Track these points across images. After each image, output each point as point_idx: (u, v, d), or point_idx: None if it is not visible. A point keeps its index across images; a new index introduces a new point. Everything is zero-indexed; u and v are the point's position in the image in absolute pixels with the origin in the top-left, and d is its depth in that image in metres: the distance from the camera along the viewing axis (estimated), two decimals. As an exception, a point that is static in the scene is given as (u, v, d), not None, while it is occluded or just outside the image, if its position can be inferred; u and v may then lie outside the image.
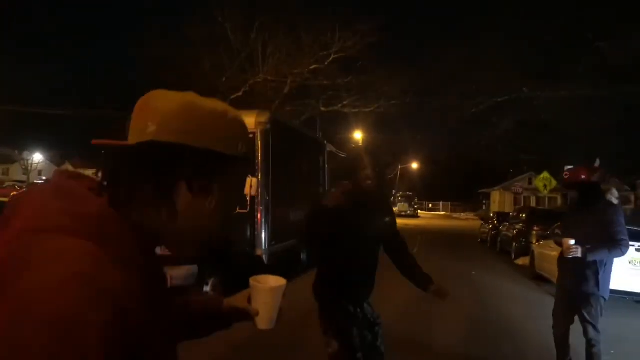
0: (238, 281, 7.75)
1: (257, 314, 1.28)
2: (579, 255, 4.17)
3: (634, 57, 17.44)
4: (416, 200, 55.71)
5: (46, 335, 0.62)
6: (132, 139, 0.90)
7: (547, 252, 10.34)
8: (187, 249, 0.99)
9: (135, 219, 0.86)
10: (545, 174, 22.27)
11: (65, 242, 0.73)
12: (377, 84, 22.19)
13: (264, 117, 9.31)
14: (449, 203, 67.75)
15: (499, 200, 49.75)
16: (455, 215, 59.29)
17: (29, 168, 58.00)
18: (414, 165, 62.12)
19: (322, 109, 23.40)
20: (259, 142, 9.10)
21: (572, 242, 4.20)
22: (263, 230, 9.00)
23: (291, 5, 20.00)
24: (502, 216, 22.30)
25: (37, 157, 59.26)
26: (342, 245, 3.01)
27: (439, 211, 66.44)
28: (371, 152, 3.71)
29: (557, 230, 7.96)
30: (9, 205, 0.83)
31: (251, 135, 9.05)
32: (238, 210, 8.43)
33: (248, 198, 8.70)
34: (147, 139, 0.87)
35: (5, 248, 0.73)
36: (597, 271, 4.34)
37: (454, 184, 64.95)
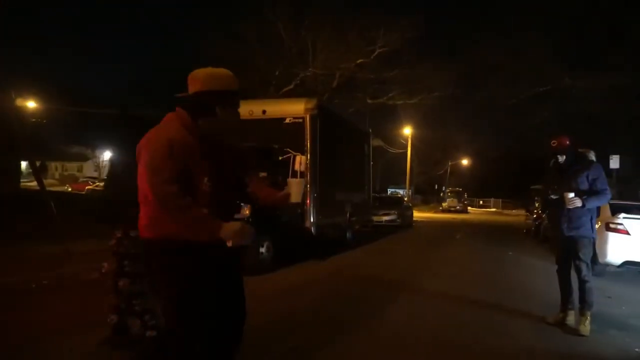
0: (288, 246, 8.89)
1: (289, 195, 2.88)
2: (579, 204, 4.91)
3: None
4: (466, 196, 55.63)
5: (156, 153, 2.28)
6: (190, 91, 2.41)
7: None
8: (224, 137, 2.58)
9: (199, 123, 2.42)
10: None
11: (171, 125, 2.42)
12: (421, 76, 22.92)
13: (312, 104, 10.49)
14: (500, 200, 66.76)
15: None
16: (506, 211, 58.47)
17: (100, 165, 63.01)
18: (464, 162, 61.86)
19: (369, 101, 24.39)
20: (307, 125, 10.24)
21: (572, 194, 4.93)
22: (312, 205, 10.06)
23: (338, 2, 21.11)
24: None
25: (107, 155, 64.56)
26: None
27: (490, 208, 65.69)
28: None
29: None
30: None
31: (300, 120, 10.36)
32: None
33: (298, 175, 9.83)
34: (197, 90, 2.40)
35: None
36: (591, 218, 5.10)
37: (506, 180, 64.00)
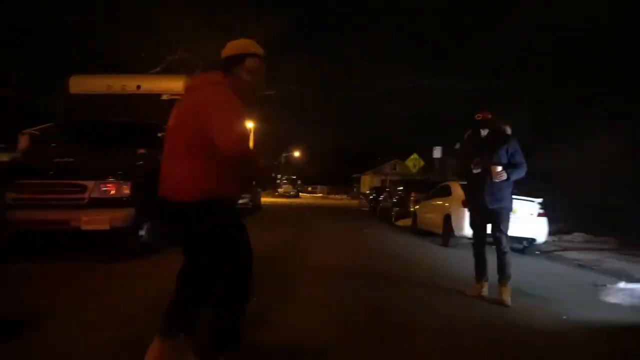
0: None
1: None
2: (505, 177, 4.89)
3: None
4: (299, 183, 59.28)
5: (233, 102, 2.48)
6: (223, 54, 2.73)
7: (425, 214, 12.57)
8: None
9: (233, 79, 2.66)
10: (415, 155, 25.39)
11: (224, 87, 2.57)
12: (275, 71, 23.69)
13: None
14: (326, 186, 72.77)
15: (369, 182, 56.24)
16: (330, 196, 64.21)
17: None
18: (296, 154, 65.56)
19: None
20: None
21: (500, 168, 4.90)
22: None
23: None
24: (378, 190, 26.12)
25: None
26: None
27: (317, 193, 71.28)
28: None
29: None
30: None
31: (179, 97, 9.92)
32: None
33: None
34: (225, 56, 2.71)
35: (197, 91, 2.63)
36: (511, 191, 5.12)
37: (334, 170, 70.56)
